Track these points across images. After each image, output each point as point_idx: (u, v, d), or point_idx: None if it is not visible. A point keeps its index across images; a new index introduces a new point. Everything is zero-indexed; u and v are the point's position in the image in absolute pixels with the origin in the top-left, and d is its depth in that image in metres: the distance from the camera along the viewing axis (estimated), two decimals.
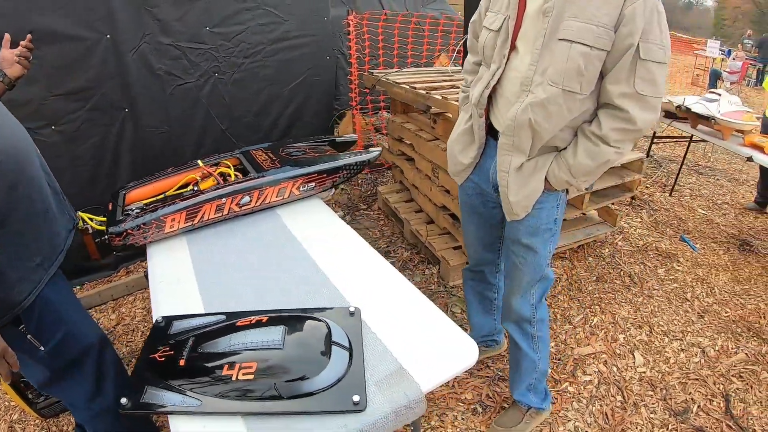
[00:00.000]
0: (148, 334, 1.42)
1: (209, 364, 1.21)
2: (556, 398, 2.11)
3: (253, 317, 1.31)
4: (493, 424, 1.98)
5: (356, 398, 1.08)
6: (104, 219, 1.94)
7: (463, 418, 2.04)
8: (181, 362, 1.23)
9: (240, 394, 1.12)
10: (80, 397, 1.64)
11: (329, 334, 1.22)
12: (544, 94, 1.33)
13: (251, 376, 1.14)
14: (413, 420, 1.14)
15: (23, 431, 2.25)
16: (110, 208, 2.03)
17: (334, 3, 3.45)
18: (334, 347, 1.18)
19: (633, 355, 2.35)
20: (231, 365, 1.17)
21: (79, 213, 1.82)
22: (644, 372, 2.25)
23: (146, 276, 2.98)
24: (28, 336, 1.40)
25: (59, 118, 2.63)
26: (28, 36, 1.71)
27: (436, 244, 2.88)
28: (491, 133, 1.58)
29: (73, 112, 2.71)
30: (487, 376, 2.22)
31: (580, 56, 1.27)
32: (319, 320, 1.27)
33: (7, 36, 1.68)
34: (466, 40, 2.86)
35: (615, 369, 2.26)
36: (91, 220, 1.91)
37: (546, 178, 1.48)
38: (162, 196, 2.08)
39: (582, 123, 1.41)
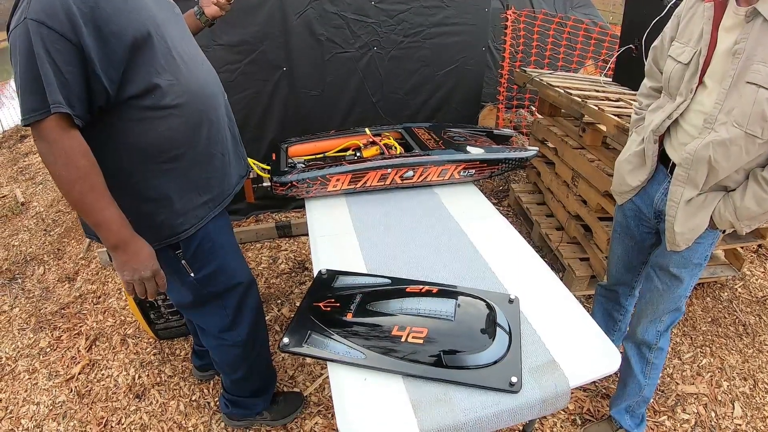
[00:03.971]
0: (311, 283, 1.49)
1: (378, 322, 1.29)
2: (652, 429, 2.10)
3: (422, 286, 1.40)
4: (582, 431, 2.04)
5: (514, 379, 1.13)
6: (268, 167, 2.04)
7: (562, 426, 2.09)
8: (348, 315, 1.31)
9: (405, 356, 1.18)
10: (215, 326, 1.72)
11: (494, 316, 1.27)
12: (728, 134, 1.32)
13: (420, 341, 1.21)
14: (552, 411, 1.20)
15: (135, 346, 2.41)
16: (273, 158, 2.14)
17: None
18: (498, 329, 1.24)
19: (733, 405, 2.27)
20: (401, 327, 1.25)
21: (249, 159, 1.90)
22: (740, 425, 2.17)
23: (278, 227, 3.20)
24: (183, 261, 1.50)
25: (218, 67, 2.70)
26: None
27: (564, 252, 2.85)
28: (662, 160, 1.59)
29: (232, 63, 2.89)
30: (591, 390, 2.25)
31: (766, 102, 1.25)
32: (485, 301, 1.33)
33: None
34: (621, 54, 2.82)
35: (713, 414, 2.21)
36: (255, 165, 2.01)
37: (711, 216, 1.48)
38: (322, 155, 2.19)
39: (755, 167, 1.39)
